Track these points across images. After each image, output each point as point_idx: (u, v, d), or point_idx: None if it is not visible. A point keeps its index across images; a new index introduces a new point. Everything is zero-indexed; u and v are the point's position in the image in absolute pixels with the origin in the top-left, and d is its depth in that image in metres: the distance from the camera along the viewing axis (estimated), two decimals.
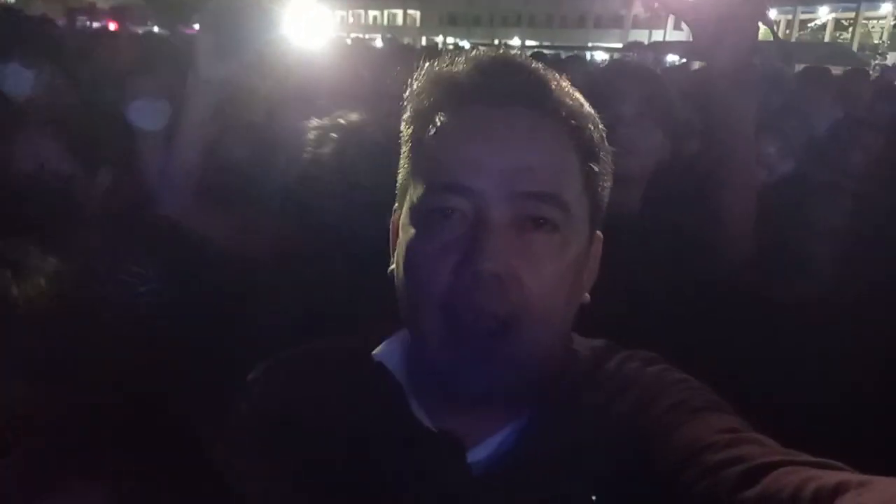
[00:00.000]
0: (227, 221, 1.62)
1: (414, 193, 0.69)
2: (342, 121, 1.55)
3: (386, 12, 56.40)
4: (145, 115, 1.83)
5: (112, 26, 8.37)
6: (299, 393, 0.78)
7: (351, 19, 51.46)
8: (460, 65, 0.70)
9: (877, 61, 22.24)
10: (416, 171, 0.70)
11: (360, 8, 53.49)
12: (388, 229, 0.77)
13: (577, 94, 0.71)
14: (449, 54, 0.72)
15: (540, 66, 0.70)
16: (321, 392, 0.76)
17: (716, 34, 1.20)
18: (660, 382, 0.68)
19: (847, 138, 2.24)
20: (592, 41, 36.65)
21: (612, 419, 0.66)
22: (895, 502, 0.44)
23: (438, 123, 0.68)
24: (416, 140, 0.71)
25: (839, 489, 0.47)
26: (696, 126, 2.51)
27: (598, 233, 0.74)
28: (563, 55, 10.41)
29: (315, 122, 1.53)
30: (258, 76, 1.54)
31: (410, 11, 54.53)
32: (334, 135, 1.54)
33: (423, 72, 0.72)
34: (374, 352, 0.77)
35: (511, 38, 36.79)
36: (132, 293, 1.49)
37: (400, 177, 0.75)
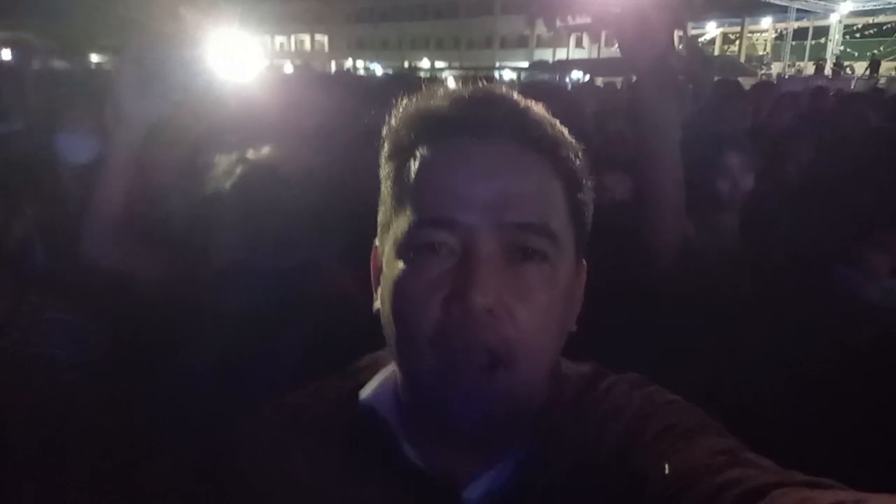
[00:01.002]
0: (154, 260, 1.56)
1: (398, 229, 0.67)
2: (249, 155, 1.54)
3: (293, 38, 56.02)
4: (69, 149, 1.73)
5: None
6: (287, 444, 0.75)
7: (259, 46, 50.74)
8: (439, 99, 0.69)
9: (763, 71, 23.91)
10: (398, 207, 0.68)
11: (267, 34, 52.90)
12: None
13: (558, 124, 0.71)
14: (425, 89, 0.71)
15: (519, 97, 0.70)
16: (309, 441, 0.74)
17: (635, 38, 1.30)
18: (650, 406, 0.68)
19: (757, 145, 2.39)
20: (499, 61, 37.62)
21: (604, 447, 0.65)
22: None
23: (420, 158, 0.67)
24: (397, 175, 0.69)
25: None
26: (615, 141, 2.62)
27: (583, 261, 0.74)
28: (473, 76, 10.62)
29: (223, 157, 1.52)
30: (184, 111, 1.48)
31: (318, 37, 54.39)
32: (239, 169, 1.52)
33: (400, 107, 0.71)
34: (362, 394, 0.75)
35: (420, 59, 37.28)
36: (60, 341, 1.42)
37: (381, 213, 0.73)
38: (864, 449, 1.12)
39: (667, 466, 0.60)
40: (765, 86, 5.77)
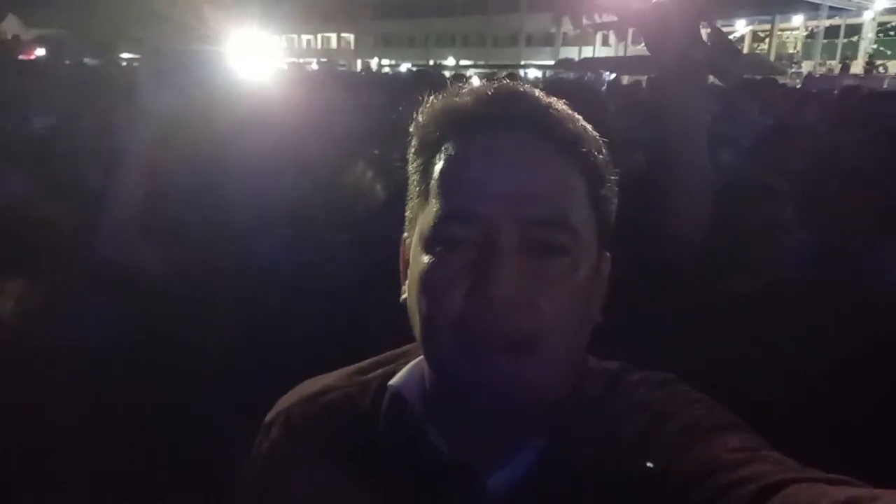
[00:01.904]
0: (170, 257, 1.59)
1: (423, 222, 0.70)
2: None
3: (320, 36, 56.31)
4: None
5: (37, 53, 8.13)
6: (317, 434, 0.78)
7: (284, 44, 51.11)
8: (464, 96, 0.71)
9: (793, 69, 23.48)
10: (424, 201, 0.71)
11: (294, 33, 53.26)
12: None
13: (581, 119, 0.73)
14: (452, 86, 0.74)
15: (542, 93, 0.72)
16: (338, 427, 0.77)
17: (658, 31, 1.30)
18: (674, 403, 0.69)
19: (781, 142, 2.36)
20: (525, 59, 37.39)
21: (626, 441, 0.66)
22: None
23: (444, 153, 0.70)
24: (424, 170, 0.73)
25: None
26: (638, 137, 2.61)
27: (607, 254, 0.75)
28: (497, 74, 10.62)
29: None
30: (202, 108, 1.51)
31: (344, 35, 54.60)
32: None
33: (427, 104, 0.74)
34: (391, 382, 0.77)
35: (446, 58, 37.21)
36: (82, 334, 1.44)
37: (408, 207, 0.76)
38: (887, 443, 1.11)
39: (686, 460, 0.61)
40: (769, 82, 5.59)
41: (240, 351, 1.54)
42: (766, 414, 0.76)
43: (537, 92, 0.72)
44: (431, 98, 0.74)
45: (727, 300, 1.47)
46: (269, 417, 0.84)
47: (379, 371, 0.81)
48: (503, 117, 0.69)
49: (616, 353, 0.78)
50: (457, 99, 0.72)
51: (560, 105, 0.72)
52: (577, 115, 0.73)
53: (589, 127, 0.73)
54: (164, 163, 1.49)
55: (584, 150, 0.70)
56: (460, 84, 0.75)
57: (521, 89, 0.71)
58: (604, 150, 0.73)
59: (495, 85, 0.71)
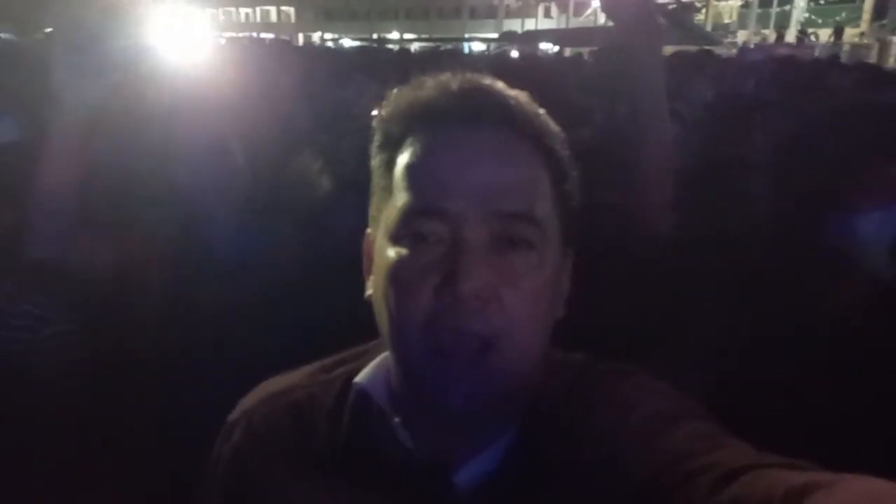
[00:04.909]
0: (110, 253, 1.51)
1: (388, 218, 0.69)
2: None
3: (258, 9, 54.67)
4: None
5: None
6: (281, 434, 0.77)
7: (222, 17, 49.45)
8: (428, 90, 0.70)
9: (728, 39, 24.04)
10: (388, 196, 0.71)
11: (231, 6, 51.53)
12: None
13: (545, 114, 0.73)
14: (414, 80, 0.73)
15: (507, 87, 0.71)
16: (302, 426, 0.76)
17: None
18: (637, 393, 0.70)
19: (729, 116, 2.39)
20: (469, 32, 37.26)
21: (592, 433, 0.67)
22: (861, 501, 0.46)
23: (408, 148, 0.70)
24: (387, 165, 0.72)
25: (808, 489, 0.49)
26: (592, 112, 2.60)
27: (570, 249, 0.75)
28: (442, 48, 10.53)
29: None
30: (128, 92, 1.42)
31: (284, 8, 53.15)
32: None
33: (390, 98, 0.73)
34: (356, 379, 0.77)
35: (390, 31, 36.67)
36: (34, 338, 1.36)
37: (372, 202, 0.75)
38: (860, 429, 1.12)
39: (650, 450, 0.62)
40: (706, 53, 5.69)
41: (192, 346, 1.49)
42: (741, 398, 0.76)
43: (502, 85, 0.72)
44: (395, 91, 0.73)
45: (701, 281, 1.47)
46: (231, 418, 0.82)
47: (342, 369, 0.80)
48: (469, 111, 0.68)
49: (586, 341, 0.77)
50: (421, 92, 0.71)
51: (525, 98, 0.72)
52: (540, 109, 0.73)
53: (552, 122, 0.73)
54: (91, 152, 1.39)
55: (549, 144, 0.71)
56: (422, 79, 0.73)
57: (486, 82, 0.71)
58: (566, 146, 0.73)
59: (460, 78, 0.71)
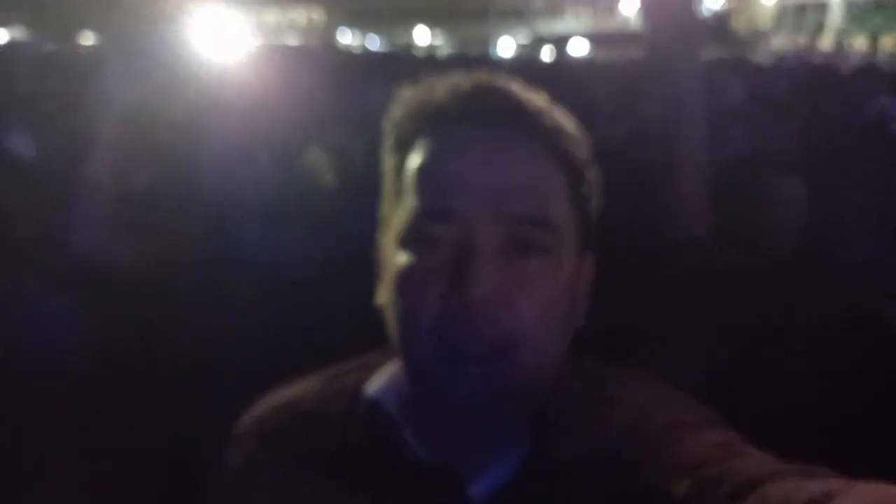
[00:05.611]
0: (143, 252, 1.54)
1: (398, 221, 0.68)
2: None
3: (288, 13, 55.23)
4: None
5: None
6: (293, 444, 0.76)
7: (253, 20, 50.02)
8: (439, 91, 0.69)
9: (762, 46, 23.71)
10: (399, 199, 0.69)
11: (259, 9, 52.09)
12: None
13: (563, 115, 0.70)
14: (426, 81, 0.71)
15: (521, 87, 0.69)
16: (313, 437, 0.75)
17: None
18: (655, 401, 0.68)
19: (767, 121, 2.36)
20: (496, 33, 37.15)
21: (608, 442, 0.65)
22: None
23: (418, 150, 0.68)
24: (398, 167, 0.70)
25: (825, 498, 0.48)
26: (625, 117, 2.59)
27: (590, 253, 0.73)
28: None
29: None
30: (170, 96, 1.44)
31: (313, 11, 53.62)
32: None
33: (401, 99, 0.71)
34: (367, 388, 0.75)
35: (415, 34, 36.72)
36: (50, 334, 1.39)
37: (382, 206, 0.73)
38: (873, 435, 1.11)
39: (667, 459, 0.61)
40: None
41: (213, 345, 1.51)
42: (767, 394, 0.75)
43: (515, 85, 0.69)
44: (405, 92, 0.71)
45: (735, 281, 1.46)
46: (241, 427, 0.81)
47: (354, 377, 0.79)
48: (480, 112, 0.67)
49: (605, 342, 0.77)
50: (432, 93, 0.69)
51: (539, 98, 0.69)
52: (557, 109, 0.70)
53: (570, 122, 0.70)
54: (132, 155, 1.43)
55: (564, 146, 0.68)
56: (434, 80, 0.71)
57: (499, 83, 0.69)
58: (585, 148, 0.71)
59: (472, 78, 0.69)
